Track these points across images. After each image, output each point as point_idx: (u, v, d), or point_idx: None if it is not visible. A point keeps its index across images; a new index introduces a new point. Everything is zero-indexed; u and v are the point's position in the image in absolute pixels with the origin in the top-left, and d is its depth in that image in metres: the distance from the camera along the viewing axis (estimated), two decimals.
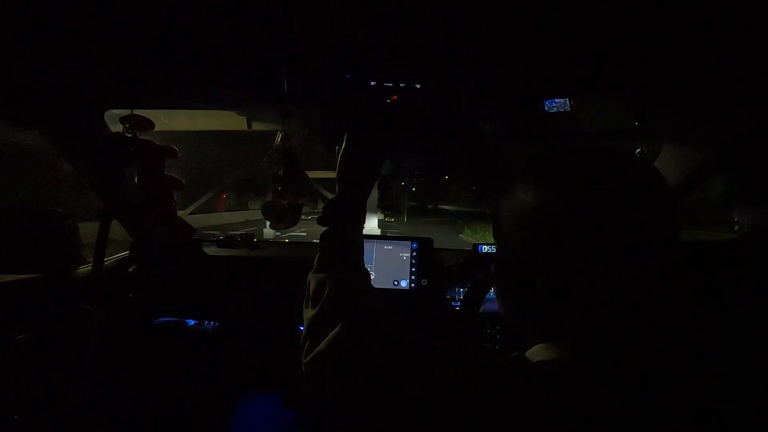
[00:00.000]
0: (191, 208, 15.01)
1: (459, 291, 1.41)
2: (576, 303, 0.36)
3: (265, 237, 9.12)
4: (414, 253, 1.40)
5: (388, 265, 1.39)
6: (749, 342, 0.35)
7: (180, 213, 1.21)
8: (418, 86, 0.85)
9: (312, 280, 0.61)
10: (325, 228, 0.68)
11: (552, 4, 0.55)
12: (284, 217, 1.16)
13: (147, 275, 1.34)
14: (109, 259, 1.32)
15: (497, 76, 0.78)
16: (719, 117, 0.91)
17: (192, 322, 1.44)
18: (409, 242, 1.42)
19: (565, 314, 0.38)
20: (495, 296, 0.49)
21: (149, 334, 1.38)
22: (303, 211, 1.09)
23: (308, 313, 0.57)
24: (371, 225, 12.13)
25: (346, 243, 0.65)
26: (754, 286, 0.35)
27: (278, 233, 9.33)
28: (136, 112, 1.01)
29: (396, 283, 1.37)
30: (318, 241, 0.67)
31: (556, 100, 0.84)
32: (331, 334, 0.49)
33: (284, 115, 1.04)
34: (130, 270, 1.34)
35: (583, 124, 1.05)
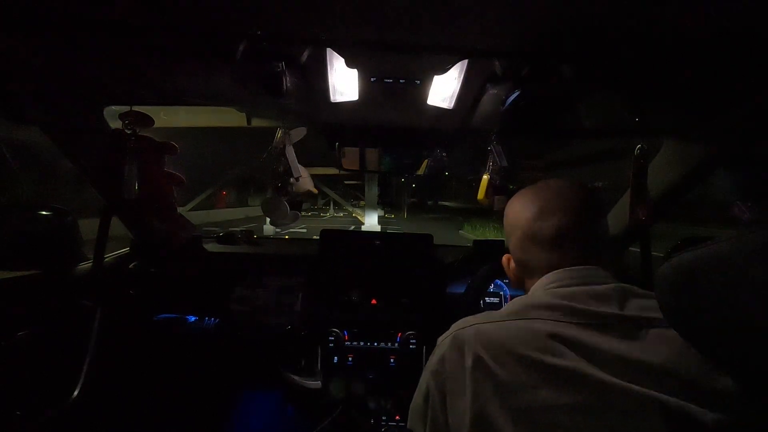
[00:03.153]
0: (191, 205, 15.02)
1: (459, 287, 1.42)
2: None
3: (265, 233, 9.13)
4: None
5: None
6: None
7: (180, 209, 1.21)
8: (418, 82, 0.84)
9: None
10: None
11: None
12: (284, 214, 1.16)
13: (147, 272, 1.35)
14: (109, 256, 1.32)
15: (498, 72, 0.78)
16: (721, 114, 0.91)
17: (192, 319, 1.44)
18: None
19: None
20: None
21: (150, 331, 1.39)
22: (303, 207, 1.10)
23: None
24: (371, 222, 12.18)
25: None
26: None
27: (278, 230, 9.36)
28: (136, 108, 1.01)
29: None
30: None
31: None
32: None
33: (284, 111, 1.04)
34: (130, 266, 1.34)
35: (584, 120, 1.05)
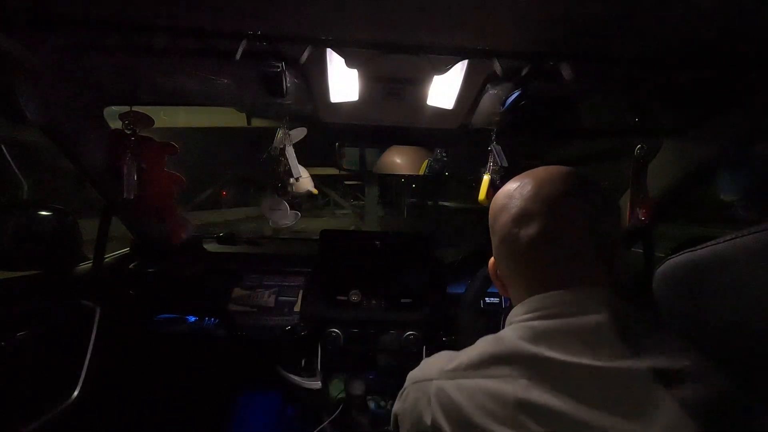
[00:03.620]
0: (191, 205, 14.98)
1: (459, 287, 1.41)
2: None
3: (265, 233, 9.12)
4: None
5: None
6: None
7: (180, 210, 1.21)
8: (418, 82, 0.84)
9: None
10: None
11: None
12: (284, 214, 1.17)
13: (147, 272, 1.34)
14: (109, 256, 1.32)
15: (498, 72, 0.78)
16: (721, 114, 0.91)
17: (192, 319, 1.44)
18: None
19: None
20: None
21: (150, 331, 1.39)
22: (303, 207, 1.10)
23: None
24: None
25: None
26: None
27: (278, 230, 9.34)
28: (135, 108, 1.01)
29: None
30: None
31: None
32: None
33: (284, 111, 1.04)
34: (130, 267, 1.34)
35: (584, 120, 1.05)
